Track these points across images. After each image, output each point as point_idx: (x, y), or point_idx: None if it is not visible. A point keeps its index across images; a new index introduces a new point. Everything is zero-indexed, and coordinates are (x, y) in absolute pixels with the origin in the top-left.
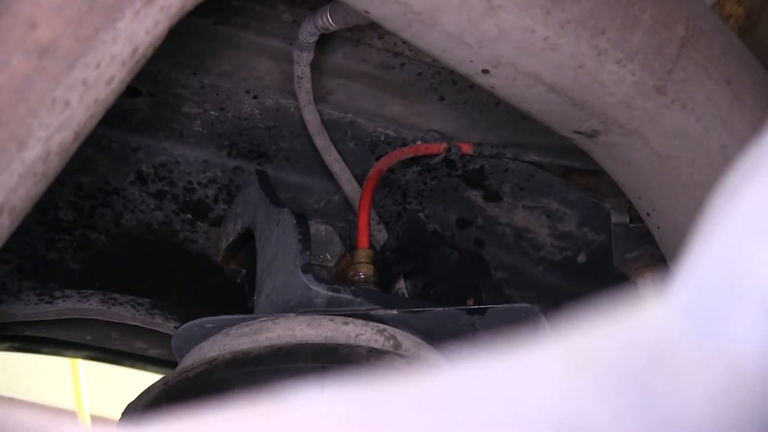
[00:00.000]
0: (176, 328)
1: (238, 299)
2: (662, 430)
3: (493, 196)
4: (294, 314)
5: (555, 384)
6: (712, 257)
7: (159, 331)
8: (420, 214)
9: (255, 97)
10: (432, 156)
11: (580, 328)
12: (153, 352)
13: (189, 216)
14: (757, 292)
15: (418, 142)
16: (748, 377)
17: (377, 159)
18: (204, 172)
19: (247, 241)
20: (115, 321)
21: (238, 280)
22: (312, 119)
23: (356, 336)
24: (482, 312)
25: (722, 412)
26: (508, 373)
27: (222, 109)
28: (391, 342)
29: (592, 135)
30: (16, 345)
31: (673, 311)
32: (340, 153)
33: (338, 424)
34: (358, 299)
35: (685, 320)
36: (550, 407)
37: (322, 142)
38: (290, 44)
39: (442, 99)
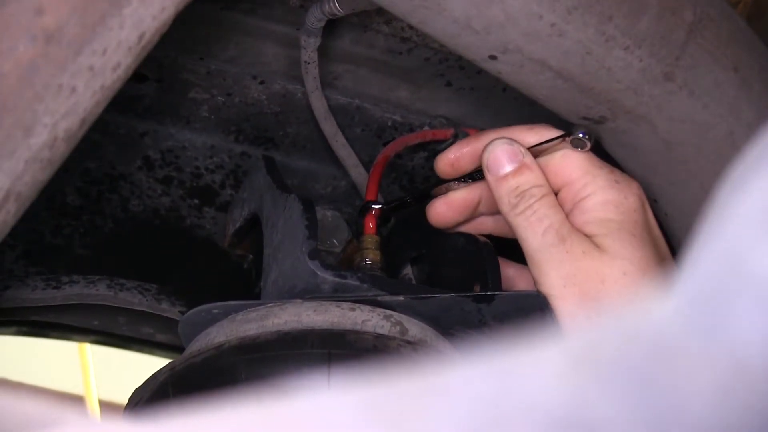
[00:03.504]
0: (183, 313)
1: (244, 285)
2: (665, 424)
3: None
4: (301, 300)
5: (557, 377)
6: (716, 249)
7: (166, 317)
8: (427, 200)
9: (262, 83)
10: (439, 142)
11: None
12: (160, 337)
13: (196, 201)
14: (763, 285)
15: (426, 128)
16: (753, 371)
17: (384, 144)
18: (211, 157)
19: (253, 226)
20: (121, 306)
21: (245, 266)
22: (319, 105)
23: (363, 322)
24: (489, 299)
25: (726, 407)
26: (511, 366)
27: (229, 94)
28: (398, 328)
29: (600, 121)
30: (24, 330)
31: (677, 303)
32: (347, 139)
33: (344, 417)
34: (365, 285)
35: (689, 313)
36: (552, 400)
37: (329, 127)
38: (297, 29)
39: (449, 84)
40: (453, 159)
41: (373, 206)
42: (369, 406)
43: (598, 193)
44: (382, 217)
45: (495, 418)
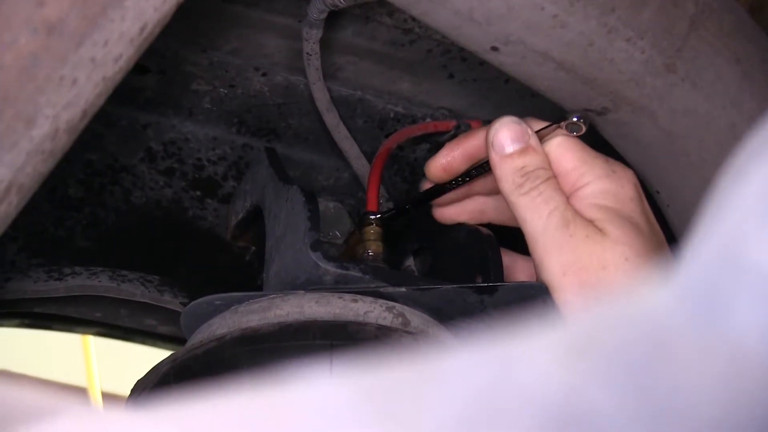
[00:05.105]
0: (185, 305)
1: (247, 276)
2: (663, 414)
3: None
4: (303, 291)
5: (555, 366)
6: (716, 239)
7: (168, 308)
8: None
9: (264, 75)
10: (441, 133)
11: (580, 311)
12: (162, 329)
13: (198, 193)
14: (761, 276)
15: (428, 120)
16: (751, 361)
17: (386, 136)
18: (213, 149)
19: (256, 218)
20: (124, 298)
21: (247, 258)
22: (321, 96)
23: (365, 313)
24: (491, 290)
25: (724, 396)
26: (508, 355)
27: (231, 86)
28: (400, 319)
29: (602, 113)
30: (27, 322)
31: (675, 295)
32: (349, 130)
33: (342, 404)
34: (367, 276)
35: (687, 303)
36: (549, 390)
37: (332, 119)
38: (299, 21)
39: (451, 76)
40: (445, 164)
41: (370, 216)
42: (366, 395)
43: (596, 183)
44: (381, 226)
45: (491, 407)
